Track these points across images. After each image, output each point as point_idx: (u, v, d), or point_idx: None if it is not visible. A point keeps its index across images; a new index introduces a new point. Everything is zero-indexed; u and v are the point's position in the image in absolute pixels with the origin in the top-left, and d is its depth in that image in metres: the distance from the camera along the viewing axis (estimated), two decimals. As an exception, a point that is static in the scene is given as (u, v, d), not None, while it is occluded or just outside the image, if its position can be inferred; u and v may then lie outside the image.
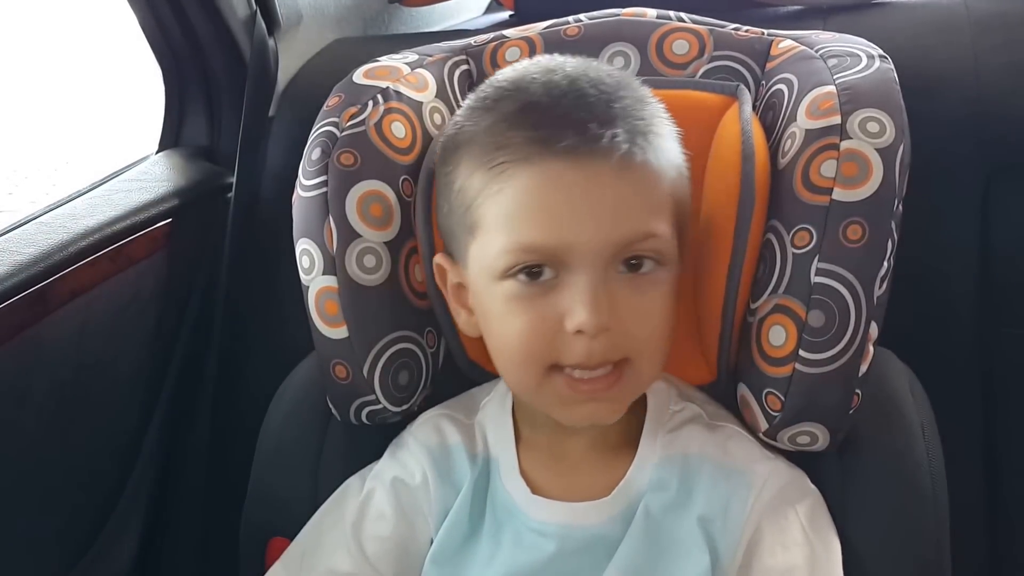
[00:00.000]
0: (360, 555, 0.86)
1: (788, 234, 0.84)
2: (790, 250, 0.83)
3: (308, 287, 0.91)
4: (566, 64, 0.80)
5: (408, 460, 0.90)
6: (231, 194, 1.23)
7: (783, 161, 0.86)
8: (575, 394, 0.77)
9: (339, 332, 0.90)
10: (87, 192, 1.15)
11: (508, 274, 0.77)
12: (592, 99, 0.76)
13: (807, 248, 0.82)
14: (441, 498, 0.87)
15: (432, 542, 0.87)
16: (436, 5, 1.52)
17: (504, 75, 0.82)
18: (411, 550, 0.87)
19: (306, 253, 0.91)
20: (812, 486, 0.84)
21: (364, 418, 0.93)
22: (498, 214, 0.77)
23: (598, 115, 0.75)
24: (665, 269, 0.78)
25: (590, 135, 0.74)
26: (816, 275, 0.81)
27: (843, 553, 0.83)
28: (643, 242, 0.76)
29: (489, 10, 1.67)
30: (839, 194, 0.81)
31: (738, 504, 0.81)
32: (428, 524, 0.87)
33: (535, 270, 0.76)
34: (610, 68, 0.83)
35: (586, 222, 0.74)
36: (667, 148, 0.79)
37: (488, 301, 0.80)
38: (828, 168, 0.82)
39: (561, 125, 0.75)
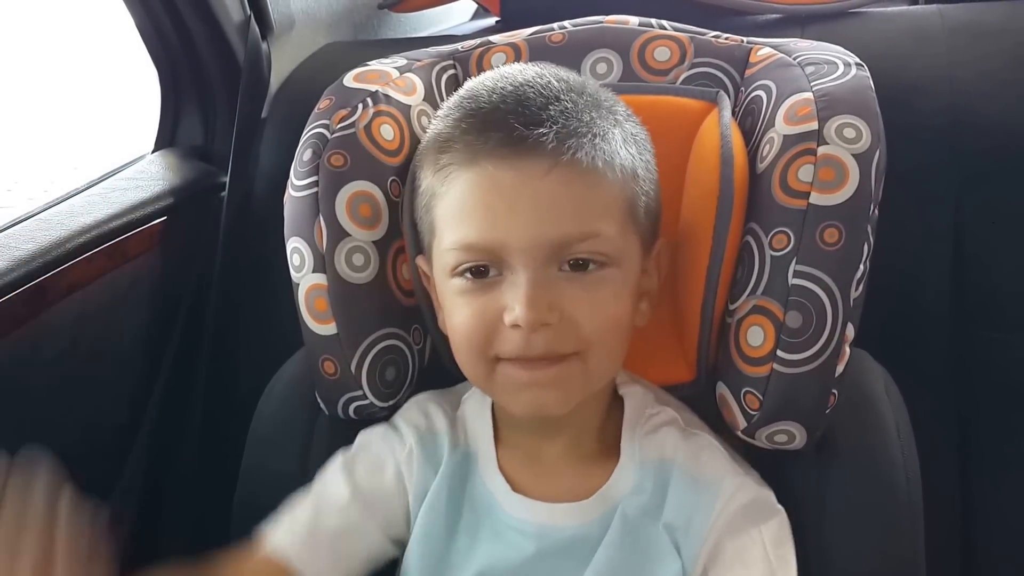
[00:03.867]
0: (355, 487, 0.88)
1: (766, 237, 0.85)
2: (768, 252, 0.85)
3: (298, 284, 0.93)
4: (524, 71, 0.82)
5: (394, 437, 0.91)
6: (224, 193, 1.25)
7: (761, 166, 0.88)
8: (519, 380, 0.79)
9: (328, 328, 0.92)
10: (85, 190, 1.17)
11: (456, 272, 0.80)
12: (528, 102, 0.78)
13: (785, 251, 0.84)
14: (423, 477, 0.89)
15: (409, 517, 0.89)
16: (424, 11, 1.54)
17: (468, 82, 0.86)
18: (395, 504, 0.89)
19: (297, 251, 0.93)
20: (779, 506, 0.85)
21: (351, 412, 0.95)
22: (445, 215, 0.81)
23: (529, 117, 0.77)
24: (613, 269, 0.79)
25: (516, 135, 0.76)
26: (793, 277, 0.83)
27: (818, 552, 0.85)
28: (582, 242, 0.77)
29: (476, 16, 1.69)
30: (816, 198, 0.83)
31: (702, 515, 0.82)
32: (408, 495, 0.89)
33: (480, 268, 0.79)
34: (572, 75, 0.83)
35: (519, 221, 0.77)
36: (613, 150, 0.79)
37: (444, 297, 0.84)
38: (805, 173, 0.84)
39: (493, 128, 0.77)
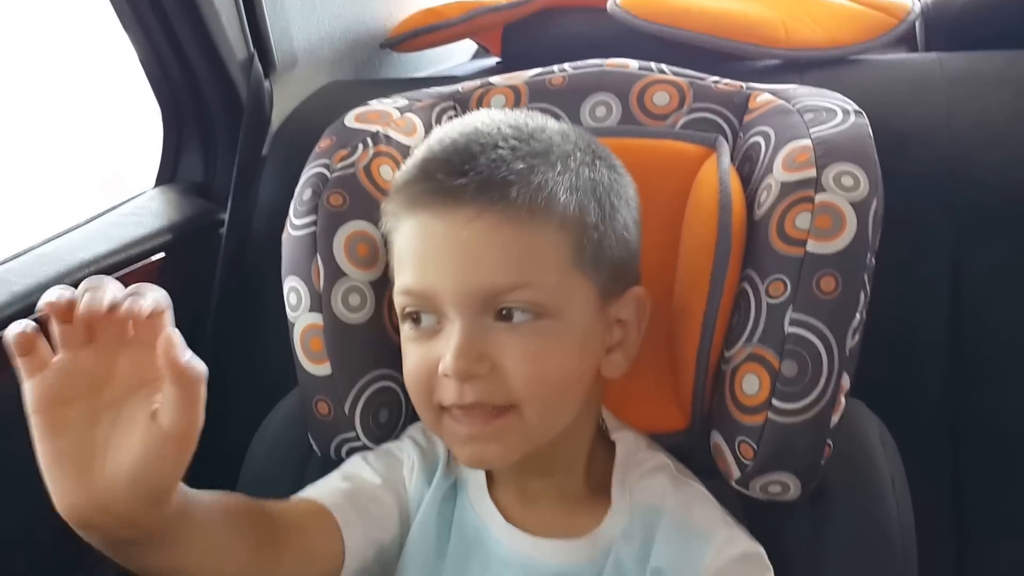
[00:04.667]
0: (377, 472, 0.88)
1: (763, 284, 0.85)
2: (764, 300, 0.85)
3: (294, 324, 0.93)
4: (478, 118, 0.82)
5: (401, 447, 0.91)
6: (223, 230, 1.25)
7: (759, 212, 0.88)
8: (458, 433, 0.79)
9: (323, 369, 0.91)
10: (85, 224, 1.17)
11: (403, 317, 0.81)
12: (461, 151, 0.77)
13: (781, 298, 0.84)
14: (419, 489, 0.88)
15: (409, 520, 0.87)
16: (425, 51, 1.55)
17: (436, 128, 0.86)
18: (405, 499, 0.88)
19: (294, 290, 0.93)
20: (768, 563, 0.83)
21: (344, 454, 0.94)
22: (395, 259, 0.82)
23: (454, 167, 0.76)
24: (551, 320, 0.77)
25: (440, 185, 0.76)
26: (790, 325, 0.83)
27: None
28: (511, 292, 0.76)
29: (476, 56, 1.70)
30: (813, 246, 0.83)
31: (692, 564, 0.81)
32: (409, 501, 0.88)
33: (420, 315, 0.79)
34: (531, 122, 0.82)
35: (448, 270, 0.77)
36: (550, 197, 0.77)
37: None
38: (803, 220, 0.84)
39: (423, 177, 0.78)
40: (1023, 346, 1.09)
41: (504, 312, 0.77)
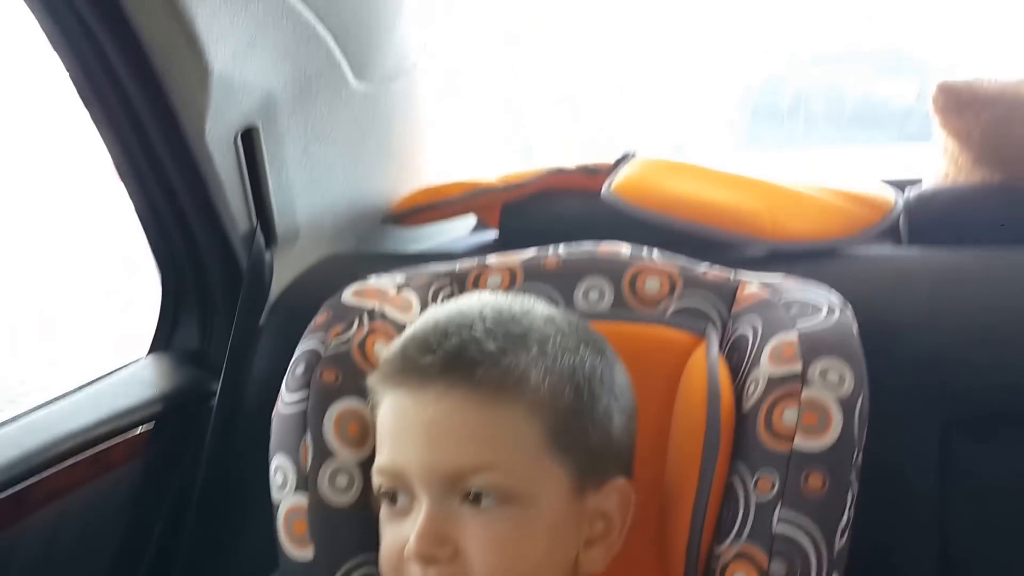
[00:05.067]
0: None
1: (752, 478, 0.85)
2: (753, 496, 0.85)
3: (279, 504, 0.92)
4: (471, 300, 0.85)
5: None
6: (215, 401, 1.26)
7: (747, 405, 0.88)
8: None
9: (305, 554, 0.90)
10: (74, 393, 1.17)
11: (381, 496, 0.81)
12: (436, 330, 0.79)
13: (770, 495, 0.84)
14: None
15: None
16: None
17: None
18: None
19: (280, 469, 0.93)
20: None
21: (324, 644, 0.91)
22: (377, 435, 0.83)
23: (428, 345, 0.78)
24: (517, 507, 0.76)
25: (411, 363, 0.78)
26: (778, 523, 0.83)
27: None
28: (477, 474, 0.76)
29: (476, 228, 1.74)
30: (800, 443, 0.84)
31: None
32: None
33: (395, 495, 0.80)
34: (516, 305, 0.83)
35: (415, 448, 0.77)
36: (521, 380, 0.77)
37: None
38: (790, 416, 0.85)
39: (400, 356, 0.80)
40: (1010, 549, 1.07)
41: (472, 495, 0.76)
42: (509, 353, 0.78)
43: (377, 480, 0.81)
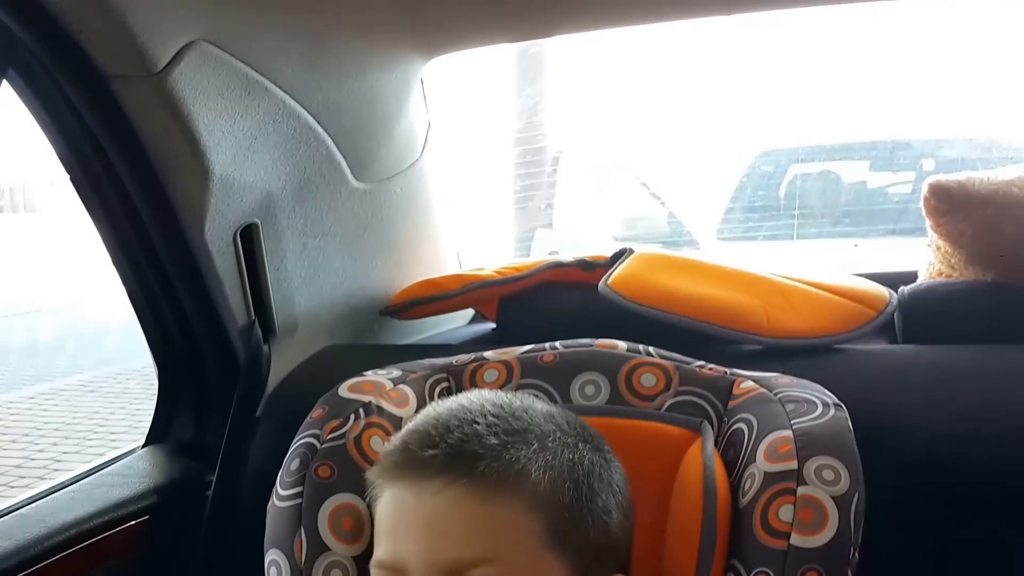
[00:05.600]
0: None
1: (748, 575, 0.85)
2: None
3: None
4: (473, 396, 0.85)
5: None
6: (210, 492, 1.25)
7: (744, 500, 0.88)
8: None
9: (300, 649, 0.89)
10: (71, 484, 1.17)
11: None
12: (439, 425, 0.80)
13: None
14: None
15: None
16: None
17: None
18: None
19: (274, 564, 0.92)
20: None
21: None
22: (375, 532, 0.83)
23: (430, 440, 0.79)
24: None
25: (412, 456, 0.79)
26: None
27: None
28: (476, 568, 0.76)
29: (474, 320, 1.75)
30: (796, 539, 0.83)
31: None
32: None
33: None
34: (516, 401, 0.85)
35: (414, 541, 0.78)
36: (521, 475, 0.78)
37: None
38: (786, 513, 0.85)
39: (401, 450, 0.81)
40: None
41: None
42: (510, 448, 0.79)
43: (376, 575, 0.81)
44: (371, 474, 0.85)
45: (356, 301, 1.50)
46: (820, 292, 1.29)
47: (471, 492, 0.77)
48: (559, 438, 0.82)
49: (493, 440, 0.79)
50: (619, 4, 1.42)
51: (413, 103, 1.53)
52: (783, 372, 1.03)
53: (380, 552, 0.81)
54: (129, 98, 1.07)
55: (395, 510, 0.80)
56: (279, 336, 1.33)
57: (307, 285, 1.38)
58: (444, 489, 0.77)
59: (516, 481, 0.78)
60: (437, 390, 1.05)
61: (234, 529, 1.23)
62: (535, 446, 0.80)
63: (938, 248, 1.35)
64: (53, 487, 1.15)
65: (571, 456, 0.82)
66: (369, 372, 1.05)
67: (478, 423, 0.80)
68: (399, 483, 0.80)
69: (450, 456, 0.78)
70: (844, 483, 0.86)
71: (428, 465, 0.78)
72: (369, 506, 0.87)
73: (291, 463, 0.95)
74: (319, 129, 1.30)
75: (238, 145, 1.16)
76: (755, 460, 0.90)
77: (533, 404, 0.86)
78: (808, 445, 0.88)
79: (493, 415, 0.81)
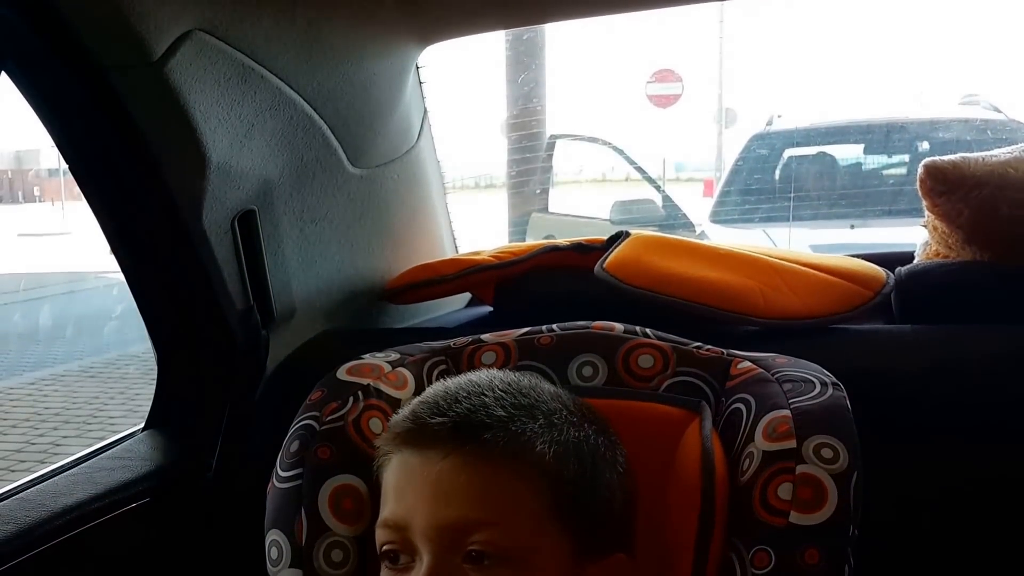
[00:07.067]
0: None
1: (748, 554, 0.85)
2: (750, 571, 0.85)
3: None
4: (483, 373, 0.88)
5: None
6: (210, 474, 1.25)
7: (743, 479, 0.89)
8: None
9: (299, 631, 0.89)
10: (71, 467, 1.17)
11: (382, 557, 0.83)
12: (447, 396, 0.83)
13: (766, 570, 0.84)
14: None
15: None
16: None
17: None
18: None
19: (275, 544, 0.92)
20: None
21: None
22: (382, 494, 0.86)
23: (438, 408, 0.82)
24: (515, 569, 0.78)
25: (420, 423, 0.82)
26: None
27: None
28: (479, 531, 0.78)
29: (471, 303, 1.75)
30: (796, 517, 0.84)
31: None
32: None
33: (396, 554, 0.81)
34: (524, 381, 0.87)
35: (419, 503, 0.80)
36: (526, 446, 0.80)
37: None
38: (785, 491, 0.85)
39: (411, 419, 0.83)
40: None
41: (473, 554, 0.78)
42: (517, 420, 0.81)
43: (380, 536, 0.83)
44: (379, 442, 0.87)
45: (353, 286, 1.50)
46: (817, 273, 1.30)
47: (477, 458, 0.79)
48: (565, 416, 0.85)
49: (500, 412, 0.81)
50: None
51: (409, 90, 1.53)
52: (780, 353, 1.03)
53: (386, 512, 0.83)
54: (126, 87, 1.07)
55: (402, 473, 0.83)
56: (277, 321, 1.33)
57: (305, 270, 1.38)
58: (451, 454, 0.80)
59: (522, 452, 0.80)
60: (435, 372, 1.05)
61: (234, 511, 1.24)
62: (541, 421, 0.83)
63: (935, 228, 1.35)
64: (53, 470, 1.16)
65: (576, 434, 0.84)
66: (367, 356, 1.05)
67: (486, 396, 0.83)
68: (407, 449, 0.83)
69: (457, 424, 0.80)
70: (843, 461, 0.86)
71: (436, 432, 0.81)
72: (376, 475, 0.88)
73: (291, 445, 0.96)
74: (315, 116, 1.30)
75: (235, 133, 1.16)
76: (754, 439, 0.90)
77: (541, 383, 0.89)
78: (806, 424, 0.89)
79: (501, 390, 0.84)
